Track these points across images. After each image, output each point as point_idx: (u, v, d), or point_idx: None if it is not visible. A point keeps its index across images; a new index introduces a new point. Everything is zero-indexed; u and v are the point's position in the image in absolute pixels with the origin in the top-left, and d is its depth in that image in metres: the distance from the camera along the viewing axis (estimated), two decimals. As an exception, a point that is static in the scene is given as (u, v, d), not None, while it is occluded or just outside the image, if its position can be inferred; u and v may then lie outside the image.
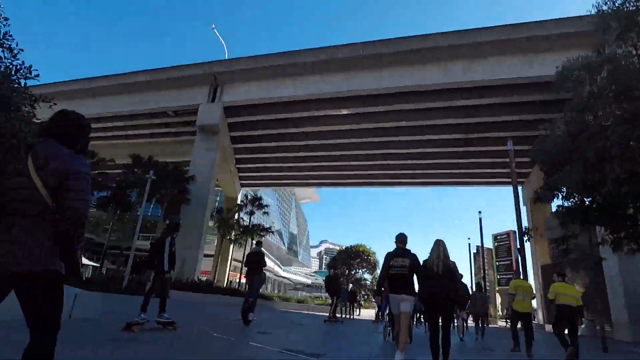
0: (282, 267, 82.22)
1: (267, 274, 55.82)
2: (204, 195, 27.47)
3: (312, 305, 26.22)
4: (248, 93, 28.27)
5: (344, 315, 19.81)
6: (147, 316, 5.99)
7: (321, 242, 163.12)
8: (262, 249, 9.20)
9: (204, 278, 27.86)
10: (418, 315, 14.88)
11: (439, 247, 5.13)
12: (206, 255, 38.26)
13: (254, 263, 8.73)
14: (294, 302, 26.19)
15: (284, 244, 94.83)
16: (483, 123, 27.20)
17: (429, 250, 5.20)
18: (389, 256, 5.45)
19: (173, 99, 30.00)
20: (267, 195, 72.48)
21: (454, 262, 5.05)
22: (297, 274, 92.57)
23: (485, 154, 31.08)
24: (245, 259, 9.08)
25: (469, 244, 33.94)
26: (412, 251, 5.46)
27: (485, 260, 31.49)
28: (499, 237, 33.96)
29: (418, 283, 5.24)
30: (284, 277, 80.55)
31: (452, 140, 29.85)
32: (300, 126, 29.72)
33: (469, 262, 32.68)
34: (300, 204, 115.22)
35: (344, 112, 27.70)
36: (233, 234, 33.59)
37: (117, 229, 47.56)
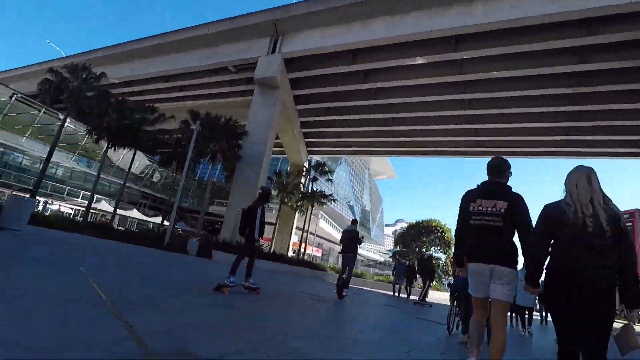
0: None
1: (335, 247, 54.08)
2: (260, 153, 25.59)
3: (369, 280, 23.24)
4: (310, 42, 25.27)
5: (400, 295, 16.59)
6: (235, 280, 6.02)
7: (397, 221, 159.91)
8: (355, 227, 9.07)
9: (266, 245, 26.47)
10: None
11: (591, 177, 2.25)
12: (272, 224, 37.35)
13: (349, 241, 8.74)
14: (349, 275, 23.46)
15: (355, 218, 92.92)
16: (600, 72, 20.90)
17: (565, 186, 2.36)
18: (467, 197, 2.93)
19: (233, 52, 28.29)
20: (340, 168, 70.30)
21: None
22: (370, 251, 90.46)
23: (601, 114, 24.50)
24: (340, 238, 9.16)
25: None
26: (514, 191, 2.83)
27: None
28: (615, 220, 27.00)
29: (528, 247, 2.46)
30: (355, 253, 78.85)
31: (557, 97, 23.92)
32: (369, 81, 26.12)
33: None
34: (375, 180, 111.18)
35: (419, 60, 23.41)
36: (294, 200, 31.69)
37: (196, 195, 49.65)
